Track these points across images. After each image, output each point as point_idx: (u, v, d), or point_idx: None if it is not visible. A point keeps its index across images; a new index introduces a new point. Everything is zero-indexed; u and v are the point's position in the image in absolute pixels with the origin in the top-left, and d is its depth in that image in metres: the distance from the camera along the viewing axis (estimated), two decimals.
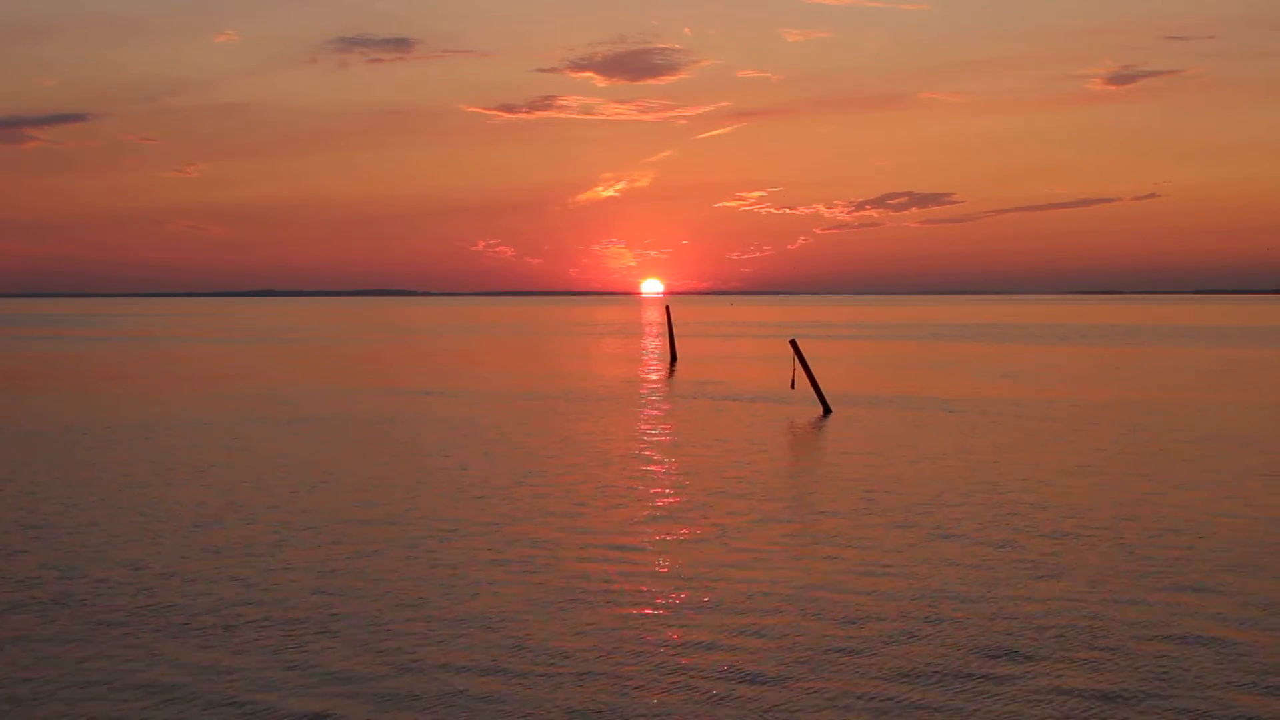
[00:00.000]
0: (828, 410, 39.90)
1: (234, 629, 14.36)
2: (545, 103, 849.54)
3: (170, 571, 17.20)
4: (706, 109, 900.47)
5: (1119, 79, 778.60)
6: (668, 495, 23.71)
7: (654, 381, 55.70)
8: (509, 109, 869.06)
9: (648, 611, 15.08)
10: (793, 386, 43.50)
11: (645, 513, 21.77)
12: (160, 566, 17.51)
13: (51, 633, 14.23)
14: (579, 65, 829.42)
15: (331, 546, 18.87)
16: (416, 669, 12.87)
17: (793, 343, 42.86)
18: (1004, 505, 22.25)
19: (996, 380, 55.43)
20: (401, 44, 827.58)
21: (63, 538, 19.56)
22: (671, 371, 62.87)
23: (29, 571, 17.24)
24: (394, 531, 20.05)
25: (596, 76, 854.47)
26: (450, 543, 19.11)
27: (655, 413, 40.56)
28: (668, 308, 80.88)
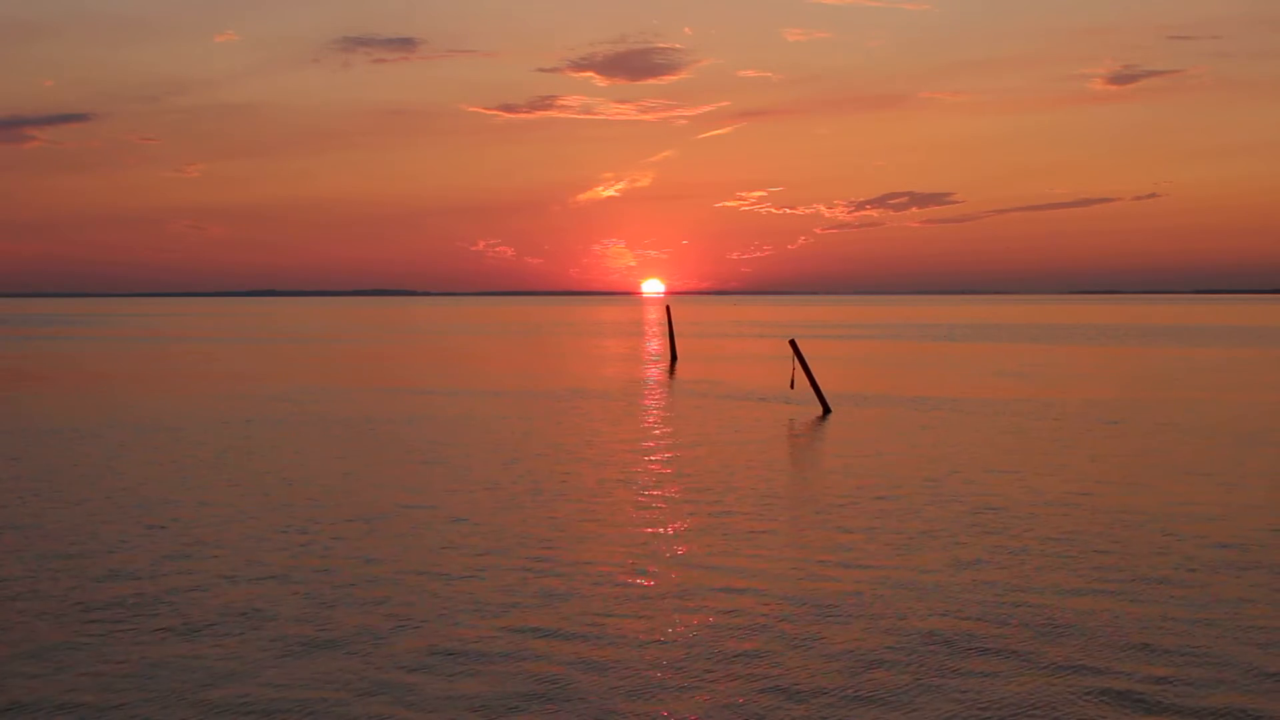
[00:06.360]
0: (827, 410, 39.89)
1: (229, 626, 14.38)
2: (546, 103, 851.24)
3: (163, 567, 17.23)
4: (707, 109, 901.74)
5: (1120, 79, 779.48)
6: (665, 493, 23.68)
7: (654, 381, 55.70)
8: (510, 109, 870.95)
9: (637, 605, 15.08)
10: (792, 386, 43.51)
11: (640, 510, 21.75)
12: (152, 563, 17.53)
13: (48, 628, 14.26)
14: (580, 65, 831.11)
15: (331, 542, 18.89)
16: (417, 665, 12.88)
17: (792, 343, 42.86)
18: (1003, 503, 22.24)
19: (996, 380, 55.44)
20: (406, 44, 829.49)
21: (55, 535, 19.58)
22: (672, 371, 62.87)
23: (20, 568, 17.27)
24: (394, 528, 20.05)
25: (597, 76, 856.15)
26: (451, 540, 19.10)
27: (655, 412, 40.56)
28: (668, 307, 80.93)
